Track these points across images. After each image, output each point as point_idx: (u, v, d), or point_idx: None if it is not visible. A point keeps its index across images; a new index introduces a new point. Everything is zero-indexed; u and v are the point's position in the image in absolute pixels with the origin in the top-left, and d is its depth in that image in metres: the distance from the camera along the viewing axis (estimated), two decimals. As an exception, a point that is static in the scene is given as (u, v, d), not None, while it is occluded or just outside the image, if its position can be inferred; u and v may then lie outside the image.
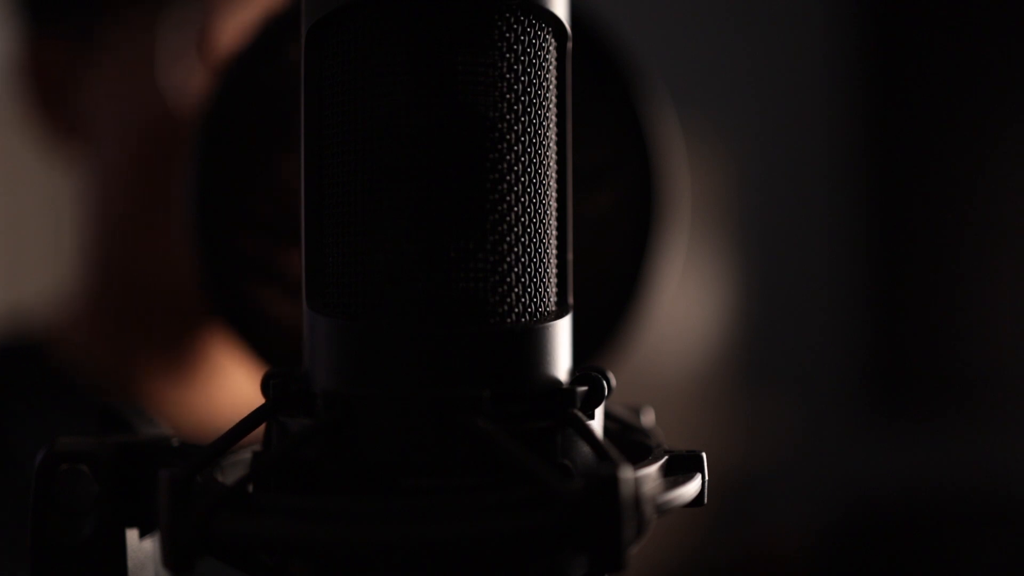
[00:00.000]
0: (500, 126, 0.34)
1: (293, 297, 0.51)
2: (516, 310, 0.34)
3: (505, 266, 0.34)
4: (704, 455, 0.36)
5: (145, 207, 0.80)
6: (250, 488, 0.33)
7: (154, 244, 0.80)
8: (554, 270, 0.36)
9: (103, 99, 0.81)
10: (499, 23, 0.34)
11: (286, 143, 0.52)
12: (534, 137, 0.35)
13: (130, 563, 0.37)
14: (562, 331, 0.35)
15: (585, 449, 0.34)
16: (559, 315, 0.36)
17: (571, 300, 0.37)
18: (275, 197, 0.54)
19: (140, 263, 0.82)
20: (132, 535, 0.37)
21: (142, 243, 0.81)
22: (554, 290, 0.36)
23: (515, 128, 0.34)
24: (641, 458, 0.36)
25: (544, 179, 0.35)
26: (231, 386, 0.82)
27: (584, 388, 0.35)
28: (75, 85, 0.82)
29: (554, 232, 0.36)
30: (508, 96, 0.34)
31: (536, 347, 0.34)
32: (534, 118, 0.35)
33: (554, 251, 0.36)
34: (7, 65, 0.87)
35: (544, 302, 0.35)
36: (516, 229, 0.34)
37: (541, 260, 0.35)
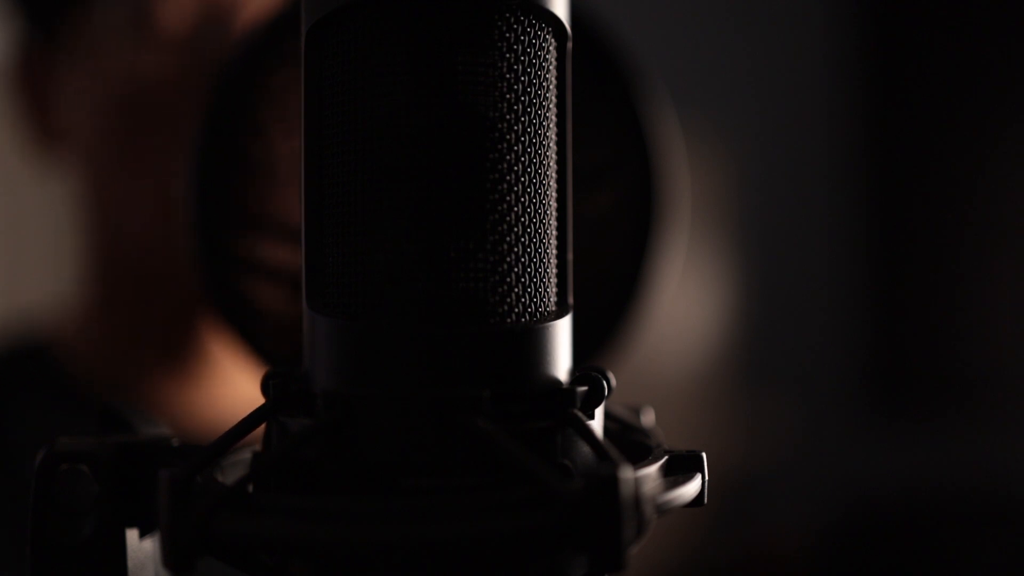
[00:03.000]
0: (500, 126, 0.34)
1: (292, 294, 0.51)
2: (516, 310, 0.34)
3: (505, 266, 0.34)
4: (704, 455, 0.36)
5: (133, 197, 0.80)
6: (250, 488, 0.32)
7: (152, 241, 0.80)
8: (554, 270, 0.36)
9: (72, 93, 0.81)
10: (499, 23, 0.34)
11: (285, 140, 0.52)
12: (534, 137, 0.35)
13: (130, 563, 0.37)
14: (562, 331, 0.35)
15: (585, 449, 0.34)
16: (559, 315, 0.36)
17: (571, 300, 0.37)
18: (275, 194, 0.54)
19: (140, 261, 0.82)
20: (132, 535, 0.37)
21: (139, 240, 0.81)
22: (554, 290, 0.36)
23: (515, 128, 0.34)
24: (641, 458, 0.36)
25: (544, 179, 0.35)
26: (235, 386, 0.82)
27: (584, 388, 0.35)
28: (56, 87, 0.83)
29: (554, 232, 0.36)
30: (508, 96, 0.34)
31: (536, 347, 0.34)
32: (534, 118, 0.35)
33: (554, 251, 0.36)
34: (3, 72, 0.87)
35: (544, 302, 0.35)
36: (516, 229, 0.34)
37: (541, 260, 0.35)
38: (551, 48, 0.36)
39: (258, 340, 0.52)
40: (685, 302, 2.66)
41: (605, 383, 0.35)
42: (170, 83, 0.75)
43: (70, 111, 0.82)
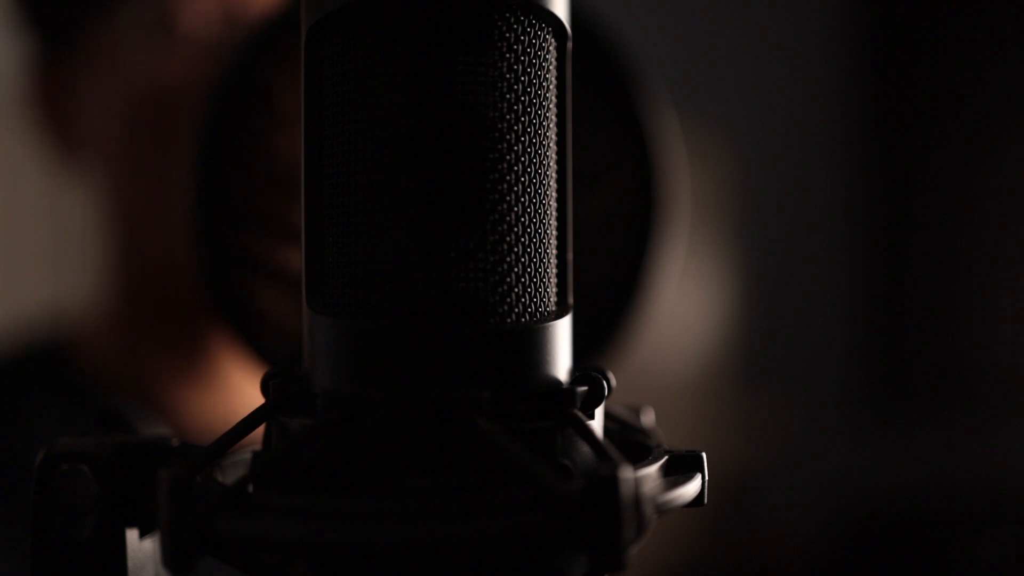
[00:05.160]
0: (500, 126, 0.34)
1: (292, 295, 0.51)
2: (516, 310, 0.34)
3: (505, 266, 0.34)
4: (704, 455, 0.36)
5: (154, 203, 0.80)
6: (250, 488, 0.32)
7: (167, 244, 0.80)
8: (554, 270, 0.36)
9: (92, 102, 0.81)
10: (499, 23, 0.34)
11: (285, 140, 0.52)
12: (534, 137, 0.35)
13: (130, 563, 0.37)
14: (562, 331, 0.35)
15: (585, 449, 0.34)
16: (559, 315, 0.36)
17: (571, 300, 0.37)
18: (274, 195, 0.54)
19: (156, 265, 0.82)
20: (132, 535, 0.37)
21: (156, 244, 0.81)
22: (554, 290, 0.36)
23: (515, 128, 0.34)
24: (641, 458, 0.36)
25: (544, 179, 0.35)
26: (248, 391, 0.82)
27: (584, 388, 0.35)
28: (73, 98, 0.83)
29: (554, 232, 0.36)
30: (508, 96, 0.34)
31: (536, 347, 0.34)
32: (534, 118, 0.35)
33: (554, 251, 0.36)
34: (18, 90, 0.87)
35: (544, 302, 0.35)
36: (516, 229, 0.34)
37: (541, 260, 0.35)
38: (551, 48, 0.36)
39: (261, 342, 0.52)
40: (685, 302, 2.66)
41: (605, 383, 0.35)
42: (190, 89, 0.76)
43: (90, 120, 0.82)
